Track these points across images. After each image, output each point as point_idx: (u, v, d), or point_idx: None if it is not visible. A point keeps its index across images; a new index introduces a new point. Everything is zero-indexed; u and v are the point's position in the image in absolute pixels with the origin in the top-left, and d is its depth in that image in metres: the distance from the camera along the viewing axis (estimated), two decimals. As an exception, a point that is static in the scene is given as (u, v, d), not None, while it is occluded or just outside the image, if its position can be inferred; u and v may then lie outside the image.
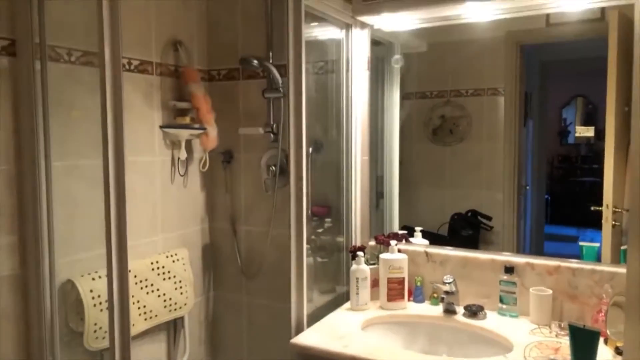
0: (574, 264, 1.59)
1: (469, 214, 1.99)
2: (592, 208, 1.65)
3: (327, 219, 2.01)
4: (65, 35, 1.63)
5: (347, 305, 1.76)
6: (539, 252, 1.75)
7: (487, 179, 1.96)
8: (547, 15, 1.73)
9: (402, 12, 1.77)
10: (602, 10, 1.62)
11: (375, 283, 1.77)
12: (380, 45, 2.02)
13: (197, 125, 2.04)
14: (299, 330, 1.58)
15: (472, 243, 1.89)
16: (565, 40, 1.79)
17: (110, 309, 1.30)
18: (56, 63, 1.61)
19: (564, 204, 1.99)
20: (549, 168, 2.02)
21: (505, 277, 1.64)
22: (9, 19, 1.49)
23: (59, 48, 1.62)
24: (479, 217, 1.96)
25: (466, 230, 1.99)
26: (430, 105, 2.03)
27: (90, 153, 1.69)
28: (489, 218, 1.94)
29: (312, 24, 1.79)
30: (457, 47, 1.96)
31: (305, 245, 1.60)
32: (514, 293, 1.63)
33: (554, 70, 1.93)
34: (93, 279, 1.68)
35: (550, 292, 1.57)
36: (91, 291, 1.65)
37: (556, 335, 1.47)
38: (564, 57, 1.86)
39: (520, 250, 1.87)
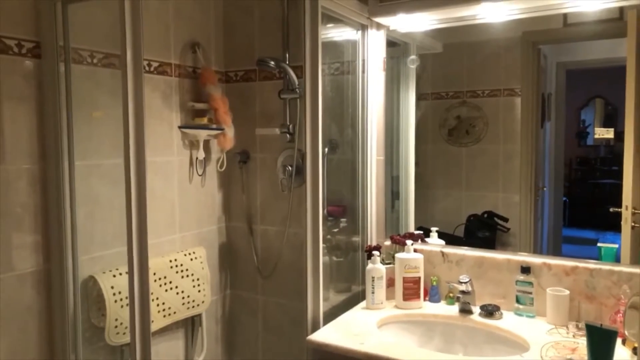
0: (591, 264, 1.58)
1: (485, 215, 1.98)
2: (611, 210, 1.63)
3: (343, 219, 2.02)
4: (88, 37, 1.67)
5: (363, 304, 1.77)
6: (556, 254, 1.74)
7: (504, 180, 1.95)
8: (565, 15, 1.72)
9: (417, 13, 1.77)
10: (621, 9, 1.60)
11: (390, 282, 1.77)
12: (396, 46, 2.03)
13: (214, 126, 2.07)
14: (315, 328, 1.60)
15: (488, 244, 1.88)
16: (583, 40, 1.78)
17: (131, 305, 1.33)
18: (79, 65, 1.65)
19: (582, 206, 1.97)
20: (566, 170, 1.99)
21: (521, 277, 1.64)
22: (34, 22, 1.54)
23: (82, 50, 1.66)
24: (496, 219, 1.95)
25: (482, 231, 1.98)
26: (446, 106, 2.03)
27: (111, 153, 1.74)
28: (506, 219, 1.93)
29: (328, 25, 1.81)
30: (473, 47, 1.96)
31: (321, 244, 1.62)
32: (531, 293, 1.62)
33: (572, 71, 1.92)
34: (114, 275, 1.72)
35: (567, 292, 1.56)
36: (112, 287, 1.69)
37: (573, 336, 1.47)
38: (582, 58, 1.85)
39: (537, 252, 1.86)
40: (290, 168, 2.07)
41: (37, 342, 1.59)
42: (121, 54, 1.29)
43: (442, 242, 1.92)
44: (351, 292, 1.95)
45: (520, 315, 1.64)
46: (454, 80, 2.03)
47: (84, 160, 1.66)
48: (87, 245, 1.68)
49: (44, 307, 1.60)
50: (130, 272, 1.33)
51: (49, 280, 1.61)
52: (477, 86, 1.96)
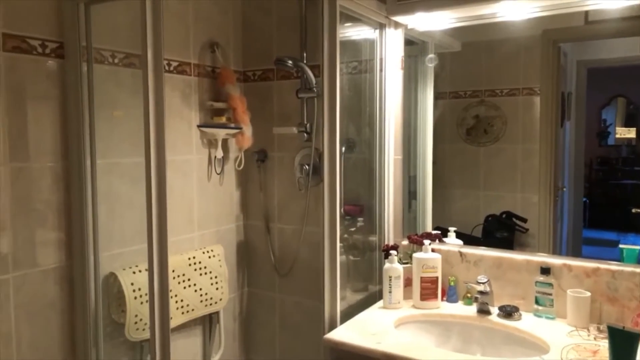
0: (613, 266, 1.56)
1: (504, 215, 1.96)
2: (634, 211, 1.61)
3: (360, 218, 2.02)
4: (109, 38, 1.70)
5: (380, 303, 1.77)
6: (576, 256, 1.71)
7: (523, 181, 1.93)
8: (586, 13, 1.69)
9: (436, 12, 1.77)
10: (644, 6, 1.58)
11: (408, 282, 1.77)
12: (413, 45, 2.02)
13: (233, 125, 2.09)
14: (332, 326, 1.60)
15: (506, 245, 1.86)
16: (605, 38, 1.75)
17: (151, 302, 1.35)
18: (100, 65, 1.68)
19: (603, 207, 1.94)
20: (587, 170, 1.96)
21: (541, 278, 1.62)
22: (57, 23, 1.57)
23: (103, 50, 1.69)
24: (514, 219, 1.93)
25: (501, 232, 1.96)
26: (463, 105, 2.01)
27: (131, 151, 1.76)
28: (524, 220, 1.90)
29: (346, 24, 1.81)
30: (492, 46, 1.94)
31: (338, 243, 1.62)
32: (551, 295, 1.60)
33: (593, 70, 1.88)
34: (134, 272, 1.74)
35: (588, 294, 1.54)
36: (132, 284, 1.71)
37: (594, 338, 1.45)
38: (604, 56, 1.82)
39: (556, 253, 1.83)
40: (307, 167, 2.08)
41: (60, 336, 1.62)
42: (142, 53, 1.31)
43: (460, 242, 1.91)
44: (368, 292, 1.95)
45: (539, 316, 1.62)
46: (472, 79, 2.01)
47: (104, 158, 1.68)
48: (108, 242, 1.71)
49: (66, 303, 1.63)
50: (150, 270, 1.35)
51: (71, 277, 1.64)
52: (495, 85, 1.94)
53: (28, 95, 1.50)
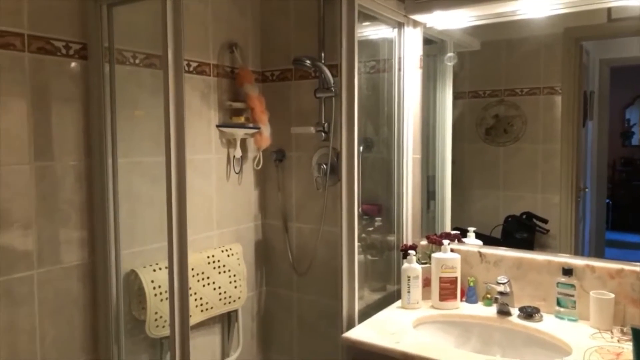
0: (638, 267, 1.52)
1: (524, 216, 1.93)
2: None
3: (378, 218, 2.02)
4: (130, 39, 1.72)
5: (398, 303, 1.76)
6: (599, 258, 1.69)
7: (543, 181, 1.90)
8: (609, 10, 1.66)
9: (454, 10, 1.75)
10: (670, 3, 1.54)
11: (426, 282, 1.76)
12: (432, 44, 2.01)
13: (251, 125, 2.10)
14: (350, 326, 1.60)
15: (526, 246, 1.83)
16: (629, 36, 1.71)
17: (171, 299, 1.37)
18: (121, 65, 1.71)
19: (627, 209, 1.90)
20: (610, 171, 1.92)
21: (563, 279, 1.59)
22: (80, 25, 1.60)
23: (125, 51, 1.72)
24: (535, 220, 1.90)
25: (521, 233, 1.94)
26: (483, 105, 1.99)
27: (151, 150, 1.78)
28: (545, 221, 1.87)
29: (364, 24, 1.80)
30: (512, 45, 1.92)
31: (356, 242, 1.62)
32: (573, 296, 1.58)
33: (617, 69, 1.85)
34: (154, 270, 1.77)
35: (612, 295, 1.51)
36: (152, 281, 1.74)
37: (618, 341, 1.42)
38: (628, 54, 1.78)
39: (578, 255, 1.80)
40: (325, 166, 2.08)
41: (82, 332, 1.65)
42: (162, 54, 1.33)
43: (480, 242, 1.89)
44: (386, 292, 1.94)
45: (561, 318, 1.59)
46: (491, 79, 1.99)
47: (126, 157, 1.71)
48: (129, 240, 1.74)
49: (88, 300, 1.66)
50: (170, 267, 1.37)
51: (93, 274, 1.67)
52: (515, 84, 1.91)
53: (52, 96, 1.54)
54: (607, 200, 1.89)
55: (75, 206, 1.61)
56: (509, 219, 1.96)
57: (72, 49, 1.58)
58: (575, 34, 1.77)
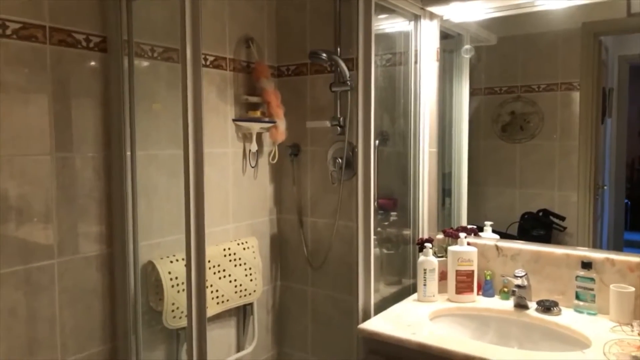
0: (659, 260, 1.50)
1: (541, 213, 1.91)
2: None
3: (393, 212, 2.01)
4: (148, 32, 1.74)
5: (414, 296, 1.76)
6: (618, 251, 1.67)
7: (560, 178, 1.87)
8: (628, 3, 1.63)
9: (472, 1, 1.74)
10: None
11: (443, 275, 1.75)
12: (449, 39, 2.00)
13: (267, 119, 2.11)
14: (366, 318, 1.60)
15: (543, 243, 1.82)
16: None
17: (188, 291, 1.38)
18: (140, 59, 1.72)
19: (646, 209, 1.87)
20: (628, 170, 1.89)
21: (582, 272, 1.58)
22: (100, 18, 1.62)
23: (143, 45, 1.73)
24: (551, 217, 1.88)
25: (537, 230, 1.92)
26: (499, 101, 1.97)
27: (168, 144, 1.80)
28: (562, 218, 1.85)
29: (381, 17, 1.80)
30: (529, 40, 1.90)
31: (372, 236, 1.62)
32: (592, 290, 1.56)
33: (636, 65, 1.82)
34: (171, 261, 1.78)
35: (632, 289, 1.49)
36: (169, 273, 1.75)
37: (638, 334, 1.40)
38: (648, 50, 1.76)
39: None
40: (340, 160, 2.08)
41: (100, 322, 1.67)
42: (181, 48, 1.34)
43: (497, 236, 1.87)
44: (402, 285, 1.93)
45: (580, 312, 1.58)
46: (508, 75, 1.97)
47: (144, 150, 1.73)
48: (146, 231, 1.75)
49: (107, 290, 1.68)
50: (187, 260, 1.38)
51: (111, 264, 1.69)
52: (532, 80, 1.89)
53: (72, 88, 1.56)
54: (626, 201, 1.86)
55: (95, 197, 1.64)
56: (526, 215, 1.95)
57: (92, 41, 1.60)
58: (593, 29, 1.75)
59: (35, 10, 1.46)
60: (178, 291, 1.76)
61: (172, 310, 1.75)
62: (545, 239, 1.85)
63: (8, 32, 1.40)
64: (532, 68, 1.91)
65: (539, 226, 1.91)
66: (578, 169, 1.81)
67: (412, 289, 1.87)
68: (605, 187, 1.82)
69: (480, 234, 1.89)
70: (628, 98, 1.79)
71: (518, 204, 1.97)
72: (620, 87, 1.79)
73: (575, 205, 1.82)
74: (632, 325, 1.45)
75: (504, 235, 1.89)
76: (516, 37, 1.93)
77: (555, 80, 1.85)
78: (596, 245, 1.80)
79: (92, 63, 1.61)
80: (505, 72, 1.98)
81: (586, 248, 1.68)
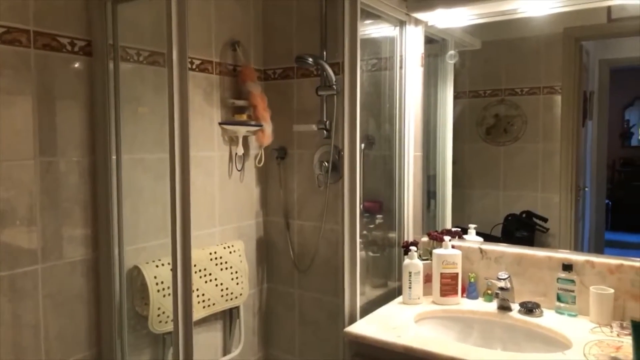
0: (638, 262, 1.54)
1: (524, 215, 1.94)
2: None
3: (379, 215, 2.03)
4: (134, 36, 1.73)
5: (400, 299, 1.78)
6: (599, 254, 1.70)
7: (543, 180, 1.90)
8: (609, 10, 1.66)
9: (456, 8, 1.77)
10: (670, 2, 1.55)
11: (428, 278, 1.77)
12: (433, 43, 2.02)
13: (253, 123, 2.11)
14: (352, 321, 1.61)
15: (526, 245, 1.84)
16: (629, 36, 1.72)
17: (174, 295, 1.38)
18: (125, 63, 1.72)
19: (626, 210, 1.91)
20: (609, 172, 1.92)
21: (563, 274, 1.61)
22: (85, 22, 1.61)
23: (129, 48, 1.73)
24: (534, 219, 1.91)
25: (520, 231, 1.95)
26: (483, 104, 2.00)
27: (154, 147, 1.80)
28: (545, 220, 1.89)
29: (366, 22, 1.82)
30: (512, 44, 1.93)
31: (358, 239, 1.63)
32: (573, 291, 1.59)
33: (616, 69, 1.86)
34: (157, 266, 1.78)
35: (611, 291, 1.53)
36: (155, 277, 1.75)
37: (617, 335, 1.43)
38: (628, 55, 1.78)
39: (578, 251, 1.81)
40: (326, 164, 2.09)
41: (86, 327, 1.66)
42: (167, 52, 1.34)
43: (480, 239, 1.90)
44: (387, 288, 1.95)
45: (561, 313, 1.61)
46: (492, 78, 2.00)
47: (129, 154, 1.72)
48: (132, 236, 1.75)
49: (92, 295, 1.67)
50: (173, 263, 1.38)
51: (96, 269, 1.68)
52: (515, 84, 1.92)
53: (57, 92, 1.55)
54: (607, 201, 1.89)
55: (79, 202, 1.62)
56: (509, 217, 1.97)
57: (77, 45, 1.59)
58: (575, 34, 1.78)
59: (19, 14, 1.45)
60: (164, 295, 1.75)
61: (158, 315, 1.74)
62: (529, 240, 1.88)
63: (-9, 36, 1.38)
64: (515, 72, 1.94)
65: (522, 227, 1.94)
66: (560, 170, 1.84)
67: (397, 292, 1.89)
68: (586, 189, 1.86)
69: (464, 236, 1.92)
70: (608, 101, 1.83)
71: (502, 206, 1.99)
72: (601, 90, 1.83)
73: (558, 207, 1.85)
74: (611, 326, 1.49)
75: (487, 237, 1.92)
76: (500, 41, 1.95)
77: (537, 84, 1.88)
78: (578, 245, 1.84)
79: (77, 67, 1.60)
80: (489, 76, 2.01)
81: (567, 250, 1.71)
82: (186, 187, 1.36)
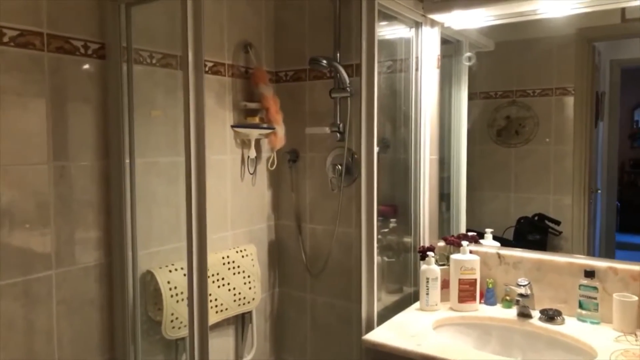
0: (661, 269, 1.51)
1: (536, 217, 1.92)
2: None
3: (392, 219, 2.00)
4: (147, 38, 1.72)
5: (417, 305, 1.75)
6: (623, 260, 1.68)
7: (555, 182, 1.88)
8: (623, 10, 1.64)
9: (474, 9, 1.74)
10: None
11: (444, 284, 1.74)
12: (448, 44, 1.99)
13: (266, 125, 2.09)
14: (369, 328, 1.58)
15: (539, 248, 1.82)
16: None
17: (190, 301, 1.36)
18: (138, 65, 1.70)
19: (635, 211, 1.88)
20: (619, 173, 1.91)
21: (585, 281, 1.58)
22: (99, 24, 1.59)
23: (142, 51, 1.71)
24: (547, 222, 1.89)
25: (533, 234, 1.92)
26: (494, 106, 1.98)
27: (167, 151, 1.78)
28: (558, 222, 1.86)
29: (382, 23, 1.79)
30: (524, 45, 1.91)
31: (375, 244, 1.60)
32: (595, 299, 1.56)
33: (627, 70, 1.83)
34: (170, 271, 1.75)
35: (635, 298, 1.49)
36: (168, 282, 1.73)
37: (643, 344, 1.40)
38: (638, 55, 1.77)
39: (590, 256, 1.78)
40: (340, 167, 2.07)
41: (99, 333, 1.64)
42: (183, 55, 1.32)
43: (497, 244, 1.87)
44: (403, 293, 1.92)
45: (583, 321, 1.58)
46: (503, 80, 1.98)
47: (142, 157, 1.70)
48: (145, 240, 1.73)
49: (105, 300, 1.65)
50: (189, 268, 1.36)
51: (110, 274, 1.66)
52: (527, 85, 1.90)
53: (70, 96, 1.53)
54: (616, 202, 1.87)
55: (93, 206, 1.60)
56: (522, 220, 1.95)
57: (91, 48, 1.57)
58: (588, 35, 1.76)
59: (33, 17, 1.43)
60: (177, 301, 1.73)
61: (172, 321, 1.72)
62: (541, 243, 1.86)
63: (5, 39, 1.36)
64: (527, 73, 1.92)
65: (534, 230, 1.92)
66: (573, 173, 1.82)
67: (412, 297, 1.87)
68: (599, 191, 1.83)
69: (480, 241, 1.89)
70: (619, 101, 1.80)
71: (513, 208, 1.97)
72: (612, 91, 1.81)
73: (570, 209, 1.83)
74: (636, 334, 1.46)
75: (500, 240, 1.89)
76: (512, 42, 1.93)
77: (550, 85, 1.86)
78: (590, 249, 1.81)
79: (91, 70, 1.58)
80: (501, 77, 1.99)
81: (589, 256, 1.68)
82: (202, 191, 1.34)
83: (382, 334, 1.51)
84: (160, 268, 1.75)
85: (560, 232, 1.85)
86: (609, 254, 1.87)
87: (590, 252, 1.82)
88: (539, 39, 1.85)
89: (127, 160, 1.64)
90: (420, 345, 1.41)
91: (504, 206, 2.00)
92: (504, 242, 1.88)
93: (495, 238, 1.89)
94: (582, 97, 1.80)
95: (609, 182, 1.87)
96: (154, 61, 1.76)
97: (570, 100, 1.82)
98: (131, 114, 1.64)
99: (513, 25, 1.81)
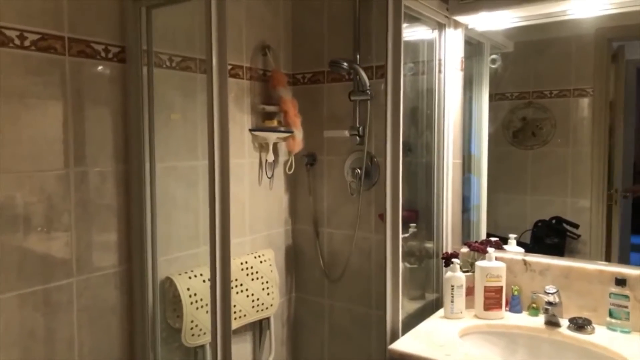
0: (695, 278, 1.47)
1: (554, 221, 1.88)
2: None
3: (412, 224, 1.97)
4: (166, 41, 1.69)
5: (441, 312, 1.71)
6: (625, 262, 1.65)
7: (573, 185, 1.85)
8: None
9: (500, 11, 1.70)
10: None
11: (469, 291, 1.71)
12: (468, 46, 1.96)
13: (284, 129, 2.06)
14: (394, 336, 1.55)
15: (557, 252, 1.79)
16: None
17: (213, 307, 1.33)
18: (158, 68, 1.67)
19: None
20: (634, 174, 1.87)
21: (616, 289, 1.54)
22: (119, 27, 1.56)
23: (161, 54, 1.68)
24: (565, 225, 1.85)
25: (551, 238, 1.89)
26: (510, 107, 1.94)
27: (186, 155, 1.75)
28: (576, 226, 1.82)
29: (404, 25, 1.76)
30: (542, 46, 1.87)
31: (400, 251, 1.57)
32: (627, 307, 1.52)
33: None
34: (189, 277, 1.73)
35: (669, 307, 1.46)
36: (188, 289, 1.70)
37: (679, 355, 1.36)
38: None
39: (608, 260, 1.75)
40: (359, 171, 2.03)
41: (119, 341, 1.61)
42: (207, 59, 1.30)
43: (521, 249, 1.84)
44: (425, 300, 1.89)
45: (614, 330, 1.54)
46: (519, 80, 1.94)
47: (162, 162, 1.67)
48: (164, 246, 1.70)
49: (124, 307, 1.63)
50: (212, 275, 1.34)
51: (130, 281, 1.63)
52: (544, 86, 1.87)
53: (91, 100, 1.50)
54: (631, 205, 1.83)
55: (113, 212, 1.58)
56: (539, 223, 1.92)
57: (111, 52, 1.54)
58: (607, 35, 1.73)
59: (54, 21, 1.40)
60: (197, 308, 1.71)
61: (191, 328, 1.70)
62: (559, 247, 1.83)
63: (26, 43, 1.34)
64: (544, 73, 1.89)
65: (552, 234, 1.89)
66: (592, 175, 1.79)
67: (435, 304, 1.83)
68: (619, 193, 1.80)
69: (504, 247, 1.85)
70: (635, 102, 1.77)
71: (529, 211, 1.94)
72: (628, 92, 1.77)
73: (588, 212, 1.80)
74: (671, 345, 1.42)
75: (518, 244, 1.86)
76: (529, 42, 1.90)
77: (567, 86, 1.83)
78: (609, 252, 1.77)
79: (111, 74, 1.55)
80: (517, 78, 1.96)
81: (620, 264, 1.64)
82: (226, 196, 1.33)
83: (409, 344, 1.48)
84: (180, 274, 1.72)
85: (579, 236, 1.82)
86: (623, 257, 1.83)
87: (609, 256, 1.78)
88: (557, 38, 1.82)
89: (147, 165, 1.62)
90: (450, 355, 1.38)
91: (520, 209, 1.97)
92: (521, 246, 1.84)
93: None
94: (601, 99, 1.76)
95: (624, 183, 1.83)
96: (173, 64, 1.73)
97: (588, 102, 1.79)
98: (151, 118, 1.61)
99: (533, 26, 1.78)
